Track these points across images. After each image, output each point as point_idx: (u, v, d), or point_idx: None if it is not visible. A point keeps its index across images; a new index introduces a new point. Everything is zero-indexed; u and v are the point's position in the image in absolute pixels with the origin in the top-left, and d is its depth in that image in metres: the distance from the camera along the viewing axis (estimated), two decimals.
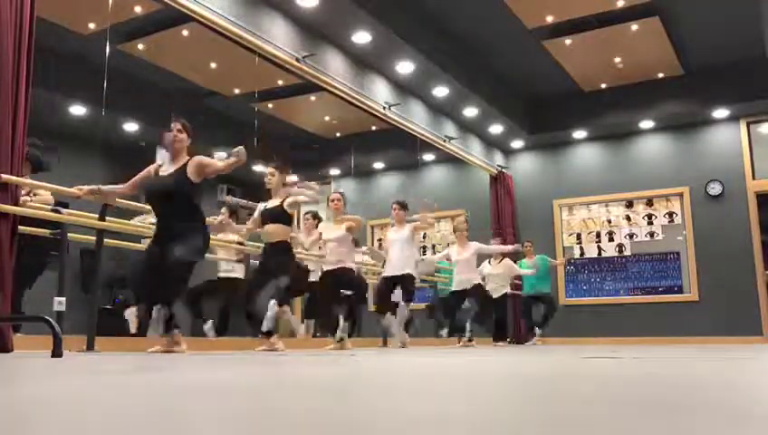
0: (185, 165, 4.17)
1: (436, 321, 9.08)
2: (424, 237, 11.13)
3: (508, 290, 8.80)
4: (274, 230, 5.07)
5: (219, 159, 4.29)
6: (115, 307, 7.76)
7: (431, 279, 8.82)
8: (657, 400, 1.30)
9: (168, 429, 0.89)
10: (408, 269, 6.37)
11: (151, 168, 4.32)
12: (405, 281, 6.37)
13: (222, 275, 6.59)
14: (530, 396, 1.43)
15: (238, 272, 6.47)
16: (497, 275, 8.64)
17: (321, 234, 6.17)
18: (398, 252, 6.44)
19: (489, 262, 8.79)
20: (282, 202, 5.09)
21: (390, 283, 6.42)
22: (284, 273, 4.98)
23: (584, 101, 9.87)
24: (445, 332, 8.67)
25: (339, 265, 5.88)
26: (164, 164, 4.29)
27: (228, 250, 6.43)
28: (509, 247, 8.24)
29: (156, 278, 3.99)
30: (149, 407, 1.16)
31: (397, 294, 6.48)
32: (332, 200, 6.08)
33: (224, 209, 6.39)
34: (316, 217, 6.99)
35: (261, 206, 5.30)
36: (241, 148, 4.15)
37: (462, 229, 7.66)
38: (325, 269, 6.06)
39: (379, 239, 10.89)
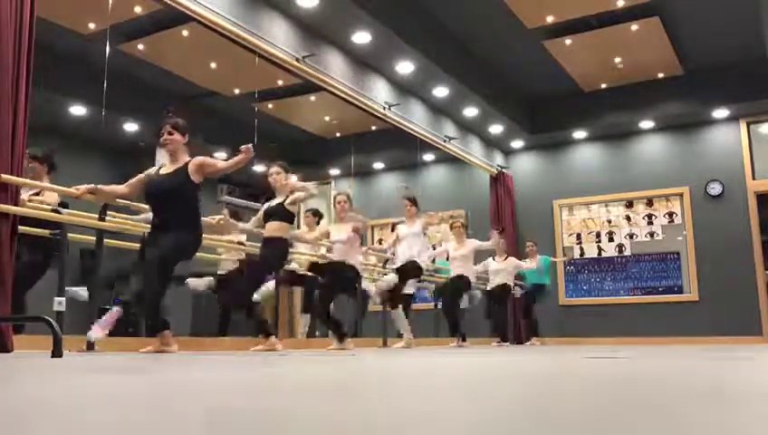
0: (186, 165, 4.19)
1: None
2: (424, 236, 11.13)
3: (511, 282, 8.74)
4: (276, 228, 5.14)
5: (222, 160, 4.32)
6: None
7: (431, 279, 8.81)
8: (658, 399, 1.30)
9: (168, 429, 0.89)
10: (414, 257, 6.51)
11: (151, 170, 4.34)
12: (407, 265, 6.50)
13: (221, 273, 6.57)
14: (529, 396, 1.43)
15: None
16: (502, 271, 8.61)
17: (328, 232, 6.19)
18: (406, 247, 6.60)
19: (494, 258, 8.75)
20: (284, 200, 5.16)
21: (401, 267, 6.56)
22: (275, 261, 5.09)
23: (584, 101, 9.87)
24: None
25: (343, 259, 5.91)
26: (165, 165, 4.31)
27: (230, 251, 6.42)
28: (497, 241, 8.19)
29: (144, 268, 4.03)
30: (149, 407, 1.16)
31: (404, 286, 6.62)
32: (338, 202, 6.10)
33: (225, 210, 6.40)
34: (317, 214, 7.02)
35: (265, 205, 5.38)
36: (249, 145, 4.17)
37: (460, 224, 7.68)
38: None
39: (380, 240, 10.89)
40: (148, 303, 3.99)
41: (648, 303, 9.62)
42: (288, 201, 5.15)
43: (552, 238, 10.32)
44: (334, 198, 6.27)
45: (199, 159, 4.22)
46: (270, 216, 5.21)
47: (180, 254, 4.17)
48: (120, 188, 4.36)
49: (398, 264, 6.65)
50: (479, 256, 8.20)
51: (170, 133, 4.22)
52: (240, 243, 6.18)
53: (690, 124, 9.66)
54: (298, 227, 7.28)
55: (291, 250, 6.13)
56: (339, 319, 5.72)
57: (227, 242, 6.17)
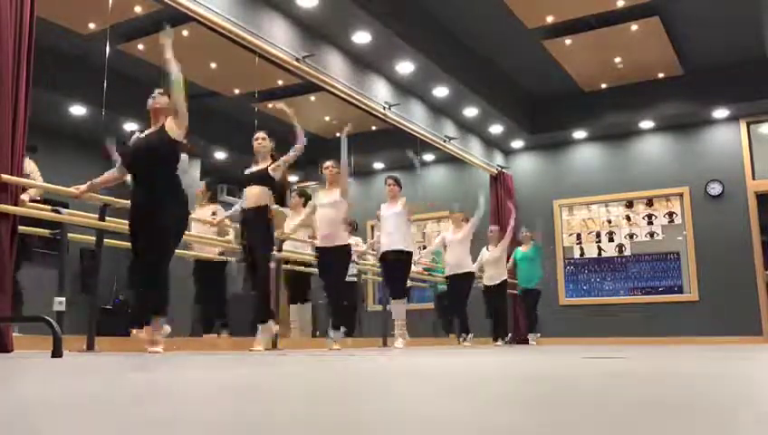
0: (164, 125, 4.16)
1: (443, 320, 9.07)
2: (423, 237, 11.13)
3: (507, 277, 8.62)
4: (256, 193, 4.96)
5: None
6: (115, 307, 7.76)
7: (431, 278, 8.81)
8: (658, 400, 1.30)
9: (167, 429, 0.89)
10: (401, 245, 6.34)
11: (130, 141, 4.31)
12: (400, 260, 6.33)
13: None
14: (529, 396, 1.43)
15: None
16: (495, 261, 8.48)
17: (312, 210, 5.93)
18: (391, 227, 6.42)
19: (487, 248, 8.67)
20: (267, 166, 5.04)
21: (391, 258, 6.37)
22: (266, 248, 4.94)
23: (584, 101, 9.87)
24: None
25: (332, 243, 5.69)
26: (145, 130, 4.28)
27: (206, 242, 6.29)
28: (497, 228, 8.22)
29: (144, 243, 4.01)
30: (148, 407, 1.16)
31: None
32: (326, 168, 5.85)
33: (202, 184, 6.27)
34: (303, 194, 6.65)
35: (246, 171, 5.19)
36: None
37: (457, 211, 7.59)
38: (318, 245, 5.85)
39: None
40: (152, 277, 3.97)
41: (647, 303, 9.62)
42: (273, 166, 5.01)
43: (552, 238, 10.31)
44: (323, 166, 5.92)
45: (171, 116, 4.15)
46: (250, 181, 5.05)
47: (176, 234, 4.15)
48: (111, 172, 4.35)
49: (386, 246, 6.40)
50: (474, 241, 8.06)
51: (161, 95, 4.23)
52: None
53: (690, 124, 9.67)
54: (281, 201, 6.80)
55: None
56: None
57: (225, 242, 6.14)
